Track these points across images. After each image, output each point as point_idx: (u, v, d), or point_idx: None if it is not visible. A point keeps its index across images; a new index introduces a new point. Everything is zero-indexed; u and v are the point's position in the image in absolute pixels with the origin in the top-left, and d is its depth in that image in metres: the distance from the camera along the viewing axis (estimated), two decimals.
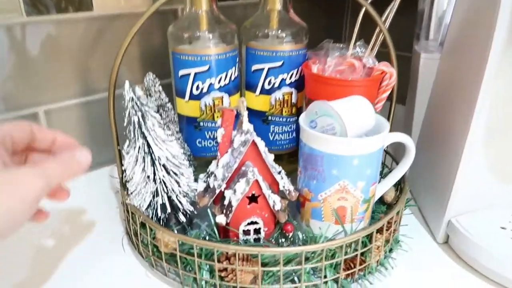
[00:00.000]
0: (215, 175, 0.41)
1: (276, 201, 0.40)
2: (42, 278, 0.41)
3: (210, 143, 0.53)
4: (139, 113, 0.39)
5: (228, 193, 0.40)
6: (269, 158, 0.41)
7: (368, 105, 0.40)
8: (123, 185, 0.46)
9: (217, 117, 0.51)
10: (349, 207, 0.41)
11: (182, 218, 0.44)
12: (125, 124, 0.40)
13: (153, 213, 0.43)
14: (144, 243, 0.42)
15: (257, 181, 0.39)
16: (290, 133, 0.56)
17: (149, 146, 0.40)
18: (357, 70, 0.50)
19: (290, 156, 0.57)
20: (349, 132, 0.38)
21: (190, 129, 0.52)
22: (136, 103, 0.39)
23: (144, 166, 0.40)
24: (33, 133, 0.32)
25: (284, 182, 0.42)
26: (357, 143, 0.38)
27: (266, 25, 0.51)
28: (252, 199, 0.40)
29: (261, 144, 0.40)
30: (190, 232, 0.44)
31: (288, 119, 0.54)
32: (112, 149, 0.45)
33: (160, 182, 0.41)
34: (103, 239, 0.47)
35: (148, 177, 0.41)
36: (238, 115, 0.42)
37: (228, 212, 0.39)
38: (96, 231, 0.48)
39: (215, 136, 0.52)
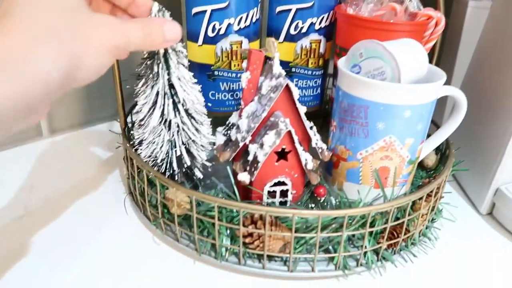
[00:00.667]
0: (238, 127, 0.35)
1: (308, 159, 0.34)
2: (32, 244, 0.35)
3: (225, 96, 0.46)
4: (169, 48, 0.32)
5: (253, 147, 0.34)
6: (302, 109, 0.35)
7: (422, 49, 0.34)
8: (127, 136, 0.39)
9: (235, 65, 0.45)
10: (393, 168, 0.35)
11: (199, 174, 0.37)
12: (144, 56, 0.33)
13: (165, 168, 0.36)
14: (151, 204, 0.36)
15: (289, 133, 0.32)
16: (315, 89, 0.49)
17: (172, 86, 0.33)
18: (399, 15, 0.43)
19: (314, 117, 0.51)
20: (403, 78, 0.32)
21: (202, 78, 0.45)
22: None
23: (164, 109, 0.34)
24: None
25: (317, 139, 0.36)
26: (413, 91, 0.32)
27: None
28: (281, 155, 0.34)
29: (295, 90, 0.33)
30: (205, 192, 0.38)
31: (314, 72, 0.48)
32: (110, 105, 0.38)
33: (179, 130, 0.35)
34: (103, 200, 0.41)
35: (167, 122, 0.34)
36: (266, 60, 0.35)
37: (252, 170, 0.33)
38: (95, 192, 0.42)
39: (231, 88, 0.46)
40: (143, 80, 0.34)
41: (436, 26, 0.43)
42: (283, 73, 0.34)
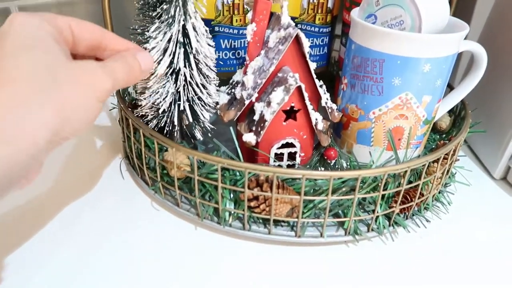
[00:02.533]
0: (243, 83, 0.32)
1: (319, 119, 0.32)
2: (29, 212, 0.33)
3: (226, 54, 0.43)
4: None
5: (259, 106, 0.31)
6: (312, 65, 0.32)
7: None
8: (122, 96, 0.36)
9: (237, 21, 0.41)
10: (408, 128, 0.33)
11: (199, 135, 0.35)
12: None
13: (165, 123, 0.34)
14: (149, 167, 0.34)
15: (299, 89, 0.30)
16: (322, 48, 0.46)
17: (186, 34, 0.30)
18: None
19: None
20: (424, 28, 0.29)
21: None
22: None
23: (174, 57, 0.31)
24: (103, 41, 0.26)
25: (327, 98, 0.33)
26: (435, 41, 0.29)
27: None
28: (290, 114, 0.31)
29: (305, 42, 0.30)
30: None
31: (321, 29, 0.45)
32: None
33: (186, 84, 0.32)
34: (97, 165, 0.38)
35: (175, 73, 0.31)
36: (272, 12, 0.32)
37: (259, 130, 0.31)
38: (88, 156, 0.40)
39: (233, 46, 0.43)
40: (156, 25, 0.31)
41: None
42: (292, 23, 0.31)
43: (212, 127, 0.35)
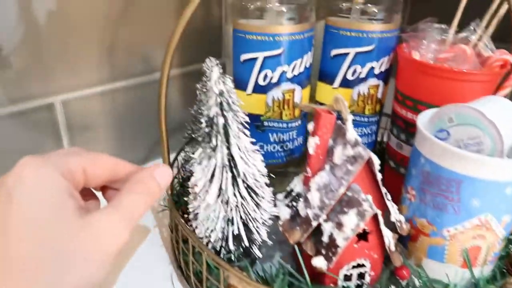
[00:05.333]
0: (306, 200, 0.31)
1: (391, 240, 0.30)
2: None
3: (274, 147, 0.42)
4: (229, 114, 0.28)
5: (327, 227, 0.29)
6: (379, 176, 0.30)
7: None
8: (176, 205, 0.35)
9: (286, 115, 0.40)
10: (485, 247, 0.31)
11: (258, 253, 0.33)
12: (203, 125, 0.29)
13: (220, 246, 0.32)
14: None
15: (375, 215, 0.28)
16: (370, 136, 0.45)
17: (232, 157, 0.29)
18: (469, 59, 0.39)
19: None
20: (506, 150, 0.27)
21: (250, 130, 0.41)
22: (227, 100, 0.27)
23: (222, 183, 0.29)
24: (116, 174, 0.26)
25: (395, 211, 0.32)
26: None
27: None
28: (362, 236, 0.29)
29: (376, 162, 0.29)
30: (264, 267, 0.34)
31: (370, 119, 0.43)
32: (141, 148, 0.34)
33: (237, 205, 0.30)
34: (144, 269, 0.36)
35: (225, 200, 0.30)
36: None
37: (330, 255, 0.29)
38: (134, 257, 0.38)
39: (281, 139, 0.42)
40: (200, 150, 0.30)
41: None
42: (360, 139, 0.30)
43: (271, 242, 0.33)
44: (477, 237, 0.30)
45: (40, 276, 0.19)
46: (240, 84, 0.39)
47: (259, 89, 0.39)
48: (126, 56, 0.46)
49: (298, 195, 0.32)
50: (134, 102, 0.49)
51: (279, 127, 0.41)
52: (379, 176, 0.30)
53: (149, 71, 0.49)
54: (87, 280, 0.20)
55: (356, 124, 0.43)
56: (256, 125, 0.40)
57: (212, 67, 0.29)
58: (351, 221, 0.28)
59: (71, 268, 0.20)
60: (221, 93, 0.28)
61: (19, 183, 0.21)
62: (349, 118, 0.30)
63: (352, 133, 0.30)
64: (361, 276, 0.31)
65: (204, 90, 0.35)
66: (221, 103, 0.28)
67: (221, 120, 0.28)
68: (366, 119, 0.43)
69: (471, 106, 0.28)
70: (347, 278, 0.31)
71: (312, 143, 0.31)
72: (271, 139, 0.41)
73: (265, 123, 0.40)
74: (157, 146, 0.38)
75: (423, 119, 0.32)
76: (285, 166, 0.43)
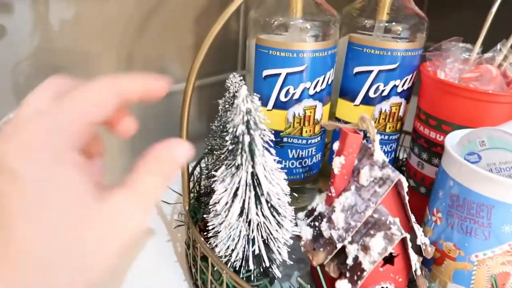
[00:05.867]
0: (330, 220, 0.30)
1: (417, 264, 0.29)
2: None
3: (292, 163, 0.41)
4: (256, 133, 0.27)
5: (352, 248, 0.29)
6: (406, 199, 0.30)
7: None
8: (195, 222, 0.34)
9: (306, 131, 0.40)
10: None
11: (278, 273, 0.32)
12: (227, 142, 0.28)
13: (240, 265, 0.31)
14: None
15: (403, 238, 0.27)
16: (390, 154, 0.44)
17: (256, 177, 0.28)
18: (494, 80, 0.38)
19: None
20: None
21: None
22: (254, 119, 0.27)
23: (244, 202, 0.29)
24: (125, 98, 0.21)
25: (421, 234, 0.31)
26: None
27: (374, 13, 0.39)
28: (388, 259, 0.29)
29: (405, 184, 0.28)
30: (282, 286, 0.33)
31: (391, 137, 0.43)
32: None
33: (258, 225, 0.30)
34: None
35: (247, 218, 0.29)
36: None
37: (355, 278, 0.28)
38: (149, 275, 0.37)
39: (300, 156, 0.41)
40: (223, 167, 0.30)
41: None
42: (387, 160, 0.29)
43: (292, 262, 0.32)
44: (507, 263, 0.29)
45: (52, 271, 0.17)
46: (261, 100, 0.39)
47: (280, 105, 0.38)
48: (143, 68, 0.46)
49: (321, 215, 0.32)
50: (149, 114, 0.48)
51: (298, 143, 0.40)
52: (407, 199, 0.29)
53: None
54: (98, 271, 0.18)
55: None
56: (275, 141, 0.40)
57: (240, 85, 0.28)
58: (379, 244, 0.27)
59: (84, 259, 0.18)
60: (248, 112, 0.28)
61: (25, 160, 0.17)
62: (377, 138, 0.30)
63: (379, 154, 0.29)
64: None
65: (227, 105, 0.35)
66: (247, 122, 0.28)
67: (247, 139, 0.28)
68: (386, 137, 0.42)
69: (504, 130, 0.28)
70: None
71: (338, 163, 0.30)
72: (290, 156, 0.41)
73: (284, 139, 0.40)
74: None
75: (452, 141, 0.32)
76: (302, 183, 0.43)
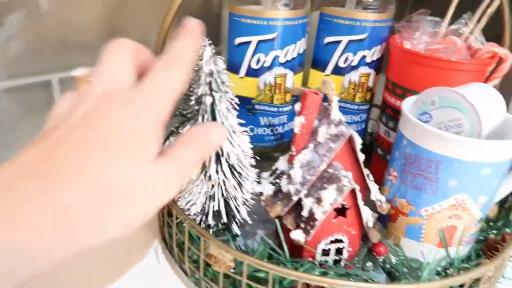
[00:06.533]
0: (289, 177, 0.32)
1: (369, 216, 0.31)
2: None
3: (264, 131, 0.43)
4: (217, 95, 0.29)
5: (308, 202, 0.30)
6: (362, 157, 0.31)
7: (503, 101, 0.31)
8: None
9: (277, 99, 0.41)
10: (461, 227, 0.31)
11: (237, 230, 0.34)
12: (191, 103, 0.30)
13: (200, 220, 0.33)
14: (191, 259, 0.32)
15: (353, 190, 0.29)
16: (360, 124, 0.46)
17: None
18: (459, 51, 0.39)
19: None
20: (483, 133, 0.28)
21: (241, 112, 0.41)
22: (216, 80, 0.29)
23: (206, 161, 0.30)
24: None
25: (376, 190, 0.32)
26: (498, 147, 0.28)
27: None
28: (340, 211, 0.30)
29: (358, 140, 0.30)
30: (246, 243, 0.35)
31: (360, 107, 0.44)
32: None
33: (219, 184, 0.31)
34: (129, 245, 0.37)
35: (208, 176, 0.31)
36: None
37: (308, 228, 0.30)
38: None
39: (271, 123, 0.43)
40: (188, 126, 0.31)
41: (501, 64, 0.39)
42: (343, 119, 0.31)
43: (250, 221, 0.34)
44: (453, 217, 0.31)
45: (93, 204, 0.18)
46: (234, 67, 0.40)
47: (252, 73, 0.40)
48: (129, 37, 0.48)
49: (283, 173, 0.33)
50: None
51: (270, 111, 0.42)
52: (360, 156, 0.31)
53: None
54: (128, 226, 0.20)
55: (346, 111, 0.44)
56: (247, 108, 0.42)
57: (205, 47, 0.30)
58: (330, 195, 0.29)
59: (124, 209, 0.19)
60: (211, 73, 0.29)
61: (110, 114, 0.19)
62: (335, 99, 0.31)
63: (336, 113, 0.31)
64: (339, 251, 0.32)
65: (196, 68, 0.37)
66: (210, 83, 0.29)
67: (209, 100, 0.29)
68: (356, 107, 0.44)
69: (453, 89, 0.29)
70: (325, 253, 0.32)
71: (298, 122, 0.32)
72: (261, 123, 0.42)
73: (256, 106, 0.41)
74: None
75: (408, 104, 0.33)
76: (274, 150, 0.44)
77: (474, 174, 0.29)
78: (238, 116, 0.34)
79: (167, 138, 0.43)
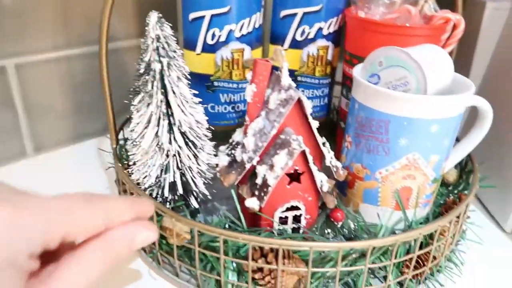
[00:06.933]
0: (243, 146, 0.31)
1: (323, 181, 0.31)
2: None
3: (225, 108, 0.42)
4: (165, 60, 0.28)
5: (261, 169, 0.30)
6: (315, 124, 0.31)
7: (448, 58, 0.31)
8: (118, 157, 0.36)
9: (236, 75, 0.41)
10: (416, 188, 0.32)
11: (195, 203, 0.34)
12: (141, 71, 0.29)
13: (157, 194, 0.33)
14: None
15: (303, 153, 0.29)
16: (322, 99, 0.46)
17: (169, 105, 0.30)
18: (413, 18, 0.40)
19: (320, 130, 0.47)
20: (429, 90, 0.28)
21: (200, 90, 0.41)
22: (163, 46, 0.28)
23: (158, 130, 0.30)
24: (110, 221, 0.21)
25: (331, 157, 0.32)
26: (442, 103, 0.28)
27: None
28: (294, 177, 0.30)
29: (307, 104, 0.30)
30: (206, 218, 0.34)
31: (321, 81, 0.44)
32: (100, 117, 0.34)
33: (174, 154, 0.31)
34: None
35: (160, 146, 0.30)
36: (272, 69, 0.32)
37: (262, 195, 0.29)
38: None
39: (232, 100, 0.42)
40: (140, 97, 0.31)
41: (454, 30, 0.39)
42: (293, 84, 0.31)
43: (208, 194, 0.34)
44: (407, 177, 0.31)
45: None
46: (190, 44, 0.40)
47: (208, 49, 0.39)
48: (83, 22, 0.47)
49: (238, 143, 0.33)
50: (92, 70, 0.49)
51: (229, 87, 0.41)
52: (312, 122, 0.31)
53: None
54: None
55: (307, 86, 0.44)
56: (206, 85, 0.41)
57: (151, 13, 0.29)
58: (281, 160, 0.29)
59: None
60: (157, 38, 0.29)
61: None
62: (285, 65, 0.31)
63: (286, 79, 0.31)
64: (297, 219, 0.32)
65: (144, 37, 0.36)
66: (157, 48, 0.29)
67: (157, 66, 0.29)
68: (317, 81, 0.44)
69: (398, 48, 0.29)
70: (283, 221, 0.32)
71: (249, 91, 0.32)
72: (222, 100, 0.42)
73: (215, 83, 0.41)
74: (117, 116, 0.38)
75: (358, 69, 0.33)
76: (238, 128, 0.44)
77: (423, 131, 0.29)
78: (198, 95, 0.34)
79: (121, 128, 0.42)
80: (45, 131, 0.48)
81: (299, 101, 0.29)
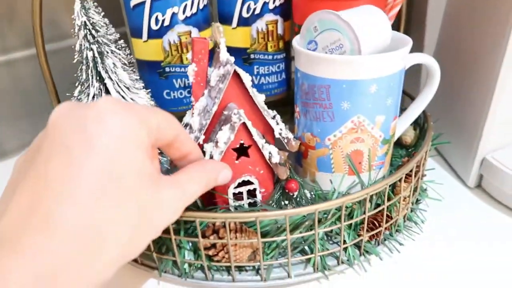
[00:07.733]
0: (190, 126, 0.31)
1: (272, 152, 0.31)
2: None
3: (181, 93, 0.42)
4: (94, 46, 0.28)
5: (208, 147, 0.30)
6: (259, 98, 0.31)
7: (383, 15, 0.31)
8: None
9: (187, 59, 0.41)
10: (366, 150, 0.32)
11: None
12: (75, 60, 0.29)
13: None
14: None
15: (244, 125, 0.29)
16: (279, 74, 0.45)
17: (108, 93, 0.29)
18: None
19: (281, 105, 0.47)
20: (363, 49, 0.28)
21: (153, 78, 0.41)
22: (90, 32, 0.28)
23: None
24: (176, 141, 0.24)
25: (281, 128, 0.32)
26: (375, 61, 0.28)
27: None
28: (241, 151, 0.30)
29: (246, 77, 0.29)
30: None
31: (275, 56, 0.44)
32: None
33: None
34: None
35: None
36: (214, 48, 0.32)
37: None
38: None
39: (186, 84, 0.42)
40: (79, 87, 0.30)
41: None
42: (231, 59, 0.30)
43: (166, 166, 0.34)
44: (355, 140, 0.31)
45: (100, 242, 0.18)
46: (136, 32, 0.39)
47: (154, 34, 0.39)
48: (28, 20, 0.46)
49: (187, 125, 0.33)
50: (34, 72, 0.48)
51: (181, 72, 0.41)
52: (254, 94, 0.30)
53: (57, 38, 0.48)
54: (132, 250, 0.20)
55: (261, 62, 0.44)
56: (158, 72, 0.41)
57: (75, 2, 0.29)
58: (224, 135, 0.29)
59: (127, 236, 0.19)
60: (84, 25, 0.28)
61: (104, 133, 0.18)
62: (222, 41, 0.31)
63: (224, 54, 0.30)
64: (252, 194, 0.32)
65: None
66: (86, 35, 0.28)
67: (89, 54, 0.29)
68: (270, 57, 0.44)
69: (329, 11, 0.29)
70: (238, 197, 0.32)
71: (191, 71, 0.31)
72: (176, 85, 0.42)
73: (167, 69, 0.41)
74: None
75: (297, 38, 0.33)
76: None
77: (363, 92, 0.29)
78: (150, 82, 0.33)
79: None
80: (8, 135, 0.47)
81: (237, 75, 0.29)
